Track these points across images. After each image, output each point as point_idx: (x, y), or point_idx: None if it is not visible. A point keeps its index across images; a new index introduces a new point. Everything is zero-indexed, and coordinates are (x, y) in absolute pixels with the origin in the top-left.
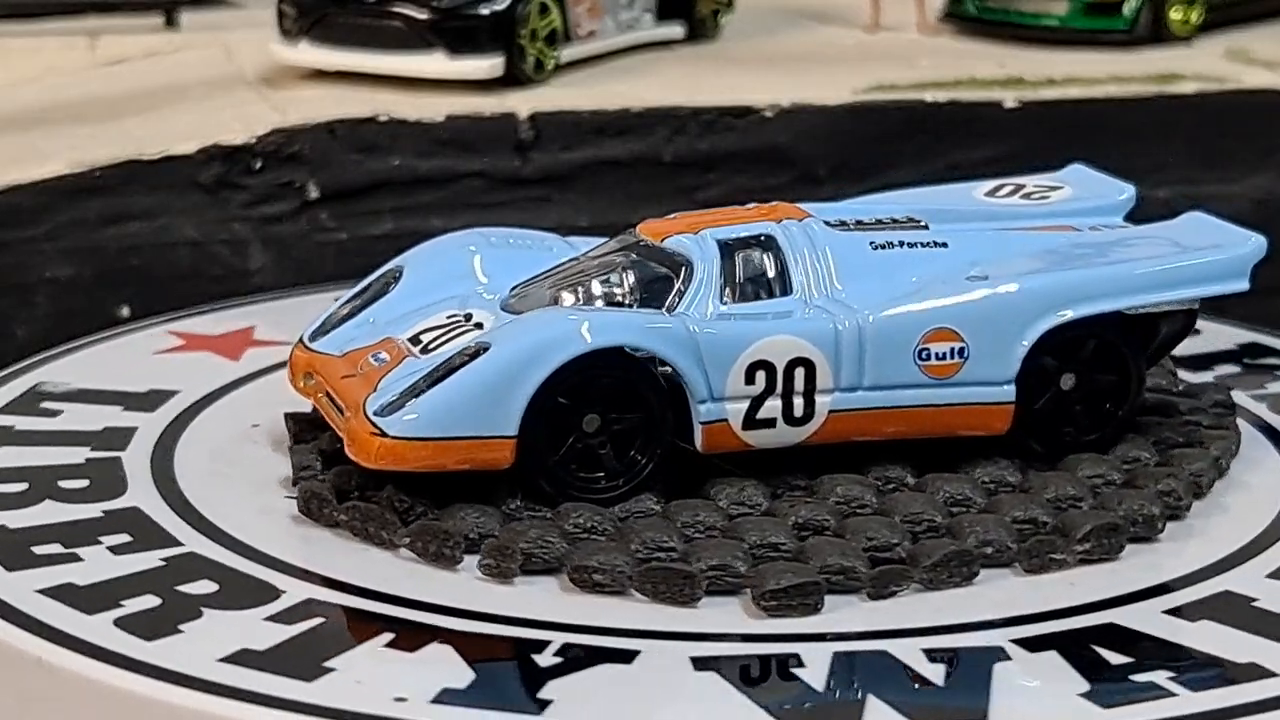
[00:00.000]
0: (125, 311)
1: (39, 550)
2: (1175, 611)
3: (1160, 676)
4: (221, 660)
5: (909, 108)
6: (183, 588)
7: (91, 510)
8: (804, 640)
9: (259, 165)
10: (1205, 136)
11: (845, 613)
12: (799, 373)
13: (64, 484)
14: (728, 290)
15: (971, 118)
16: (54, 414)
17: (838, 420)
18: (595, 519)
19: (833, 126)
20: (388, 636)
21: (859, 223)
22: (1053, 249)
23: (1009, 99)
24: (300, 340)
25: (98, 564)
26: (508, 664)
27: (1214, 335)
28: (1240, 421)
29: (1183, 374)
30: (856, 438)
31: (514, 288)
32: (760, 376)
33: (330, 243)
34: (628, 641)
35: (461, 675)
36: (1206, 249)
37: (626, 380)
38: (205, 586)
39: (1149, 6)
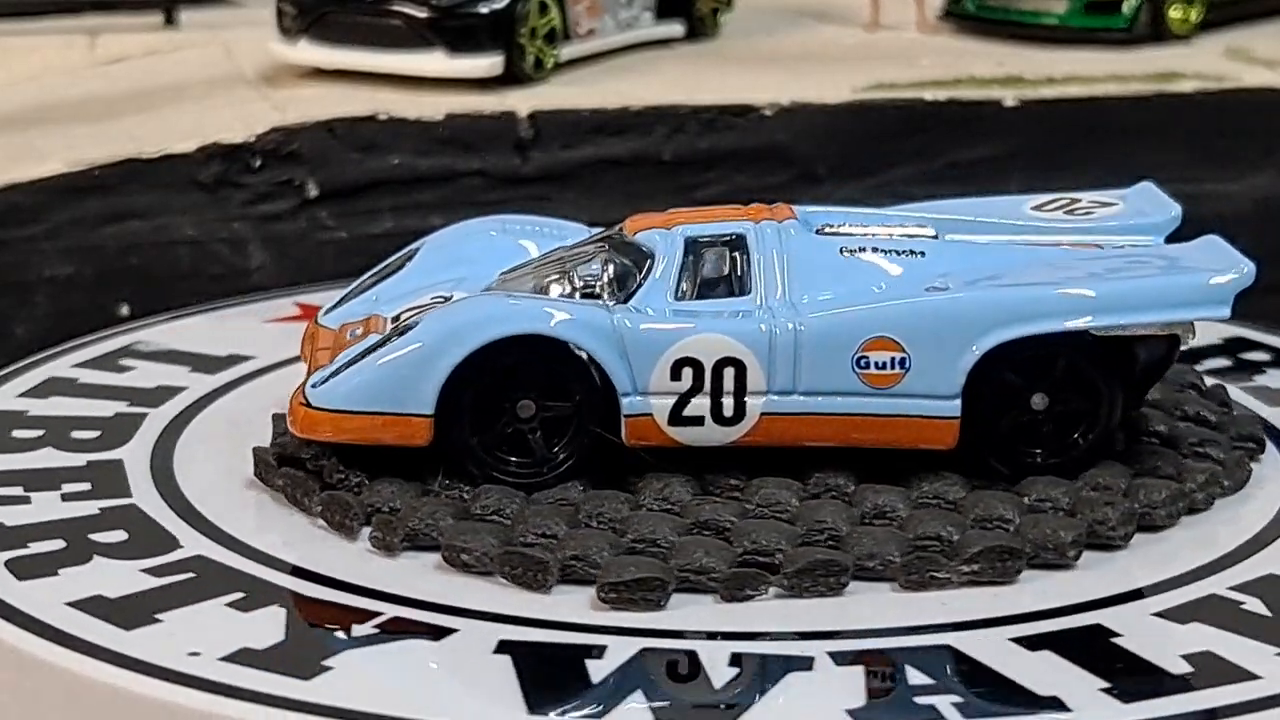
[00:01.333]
0: (124, 310)
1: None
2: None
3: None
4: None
5: (909, 107)
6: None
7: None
8: (619, 634)
9: (258, 164)
10: (1205, 135)
11: (696, 611)
12: (728, 372)
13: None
14: (684, 286)
15: (971, 116)
16: (129, 370)
17: (771, 423)
18: (503, 502)
19: (832, 125)
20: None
21: (851, 228)
22: (1044, 264)
23: (1008, 98)
24: (315, 314)
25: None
26: (322, 630)
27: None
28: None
29: (1237, 394)
30: (793, 443)
31: (503, 273)
32: (687, 373)
33: (330, 241)
34: (450, 619)
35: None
36: (1187, 272)
37: (557, 368)
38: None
39: (1148, 5)
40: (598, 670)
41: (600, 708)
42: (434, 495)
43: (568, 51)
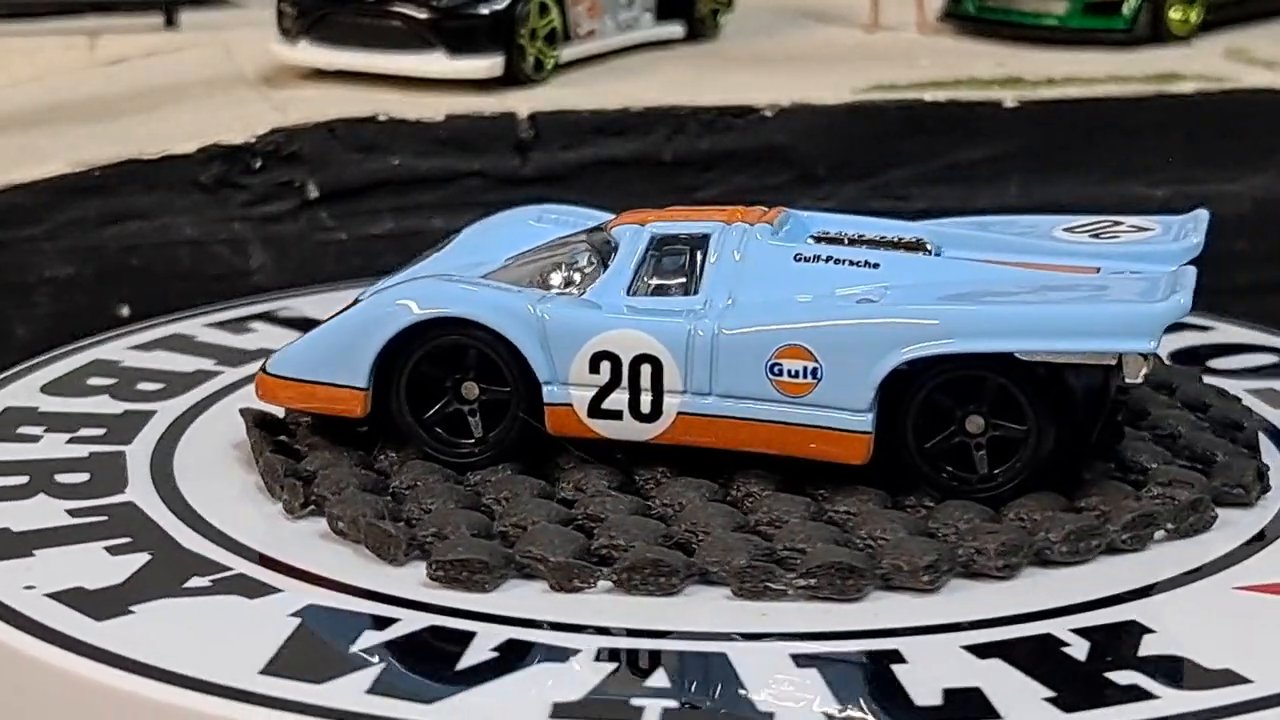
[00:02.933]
0: (125, 311)
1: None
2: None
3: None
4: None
5: (908, 107)
6: None
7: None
8: (417, 609)
9: (259, 165)
10: (1205, 136)
11: (526, 597)
12: (645, 369)
13: None
14: (640, 282)
15: (971, 117)
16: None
17: (688, 423)
18: (423, 479)
19: (832, 126)
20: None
21: (833, 236)
22: (995, 284)
23: (1008, 98)
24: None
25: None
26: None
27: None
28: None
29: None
30: (711, 445)
31: (505, 261)
32: (605, 367)
33: (330, 242)
34: (283, 580)
35: None
36: (1117, 303)
37: (486, 353)
38: None
39: (1148, 6)
40: (368, 639)
41: (331, 674)
42: (369, 468)
43: (568, 52)
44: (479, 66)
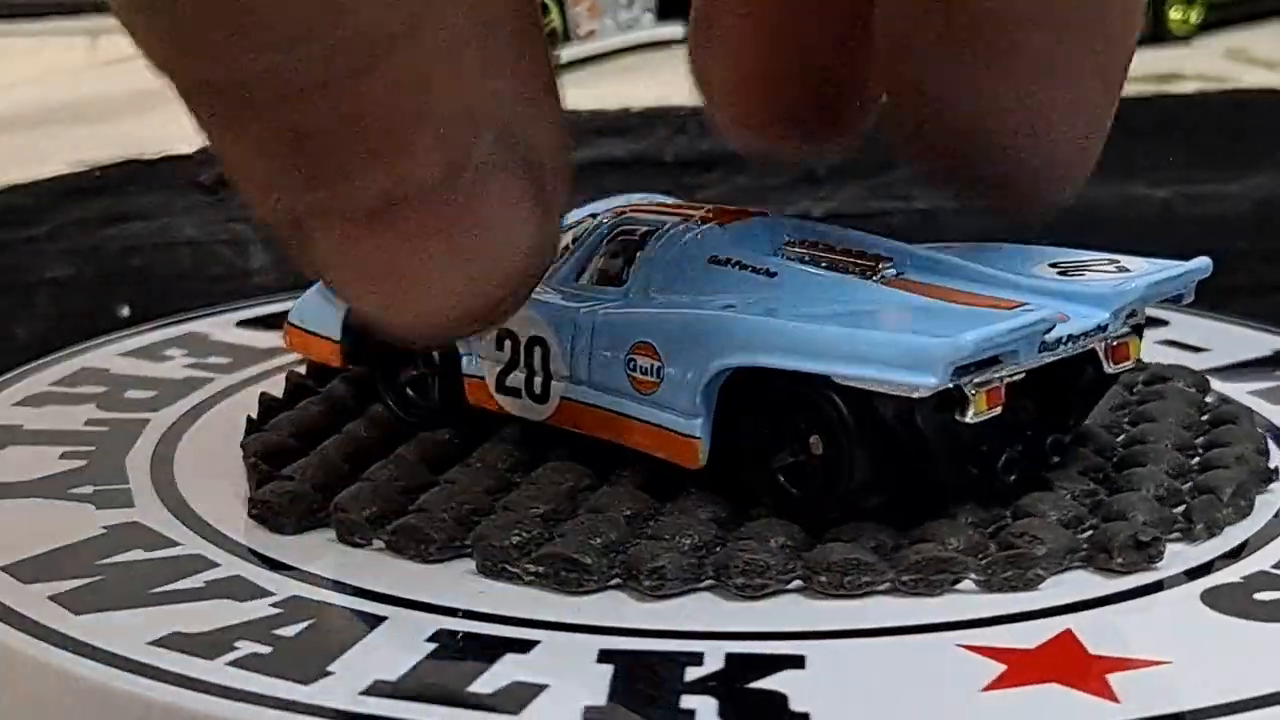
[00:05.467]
0: (126, 312)
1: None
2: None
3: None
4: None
5: None
6: None
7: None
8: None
9: None
10: (1205, 135)
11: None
12: (537, 351)
13: None
14: (591, 268)
15: None
16: None
17: (568, 409)
18: (360, 440)
19: None
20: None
21: (791, 241)
22: (861, 304)
23: None
24: None
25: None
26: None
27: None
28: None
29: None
30: (591, 433)
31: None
32: (507, 345)
33: None
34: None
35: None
36: (915, 334)
37: None
38: None
39: (1148, 6)
40: (243, 611)
41: (212, 647)
42: (340, 435)
43: (568, 53)
44: None
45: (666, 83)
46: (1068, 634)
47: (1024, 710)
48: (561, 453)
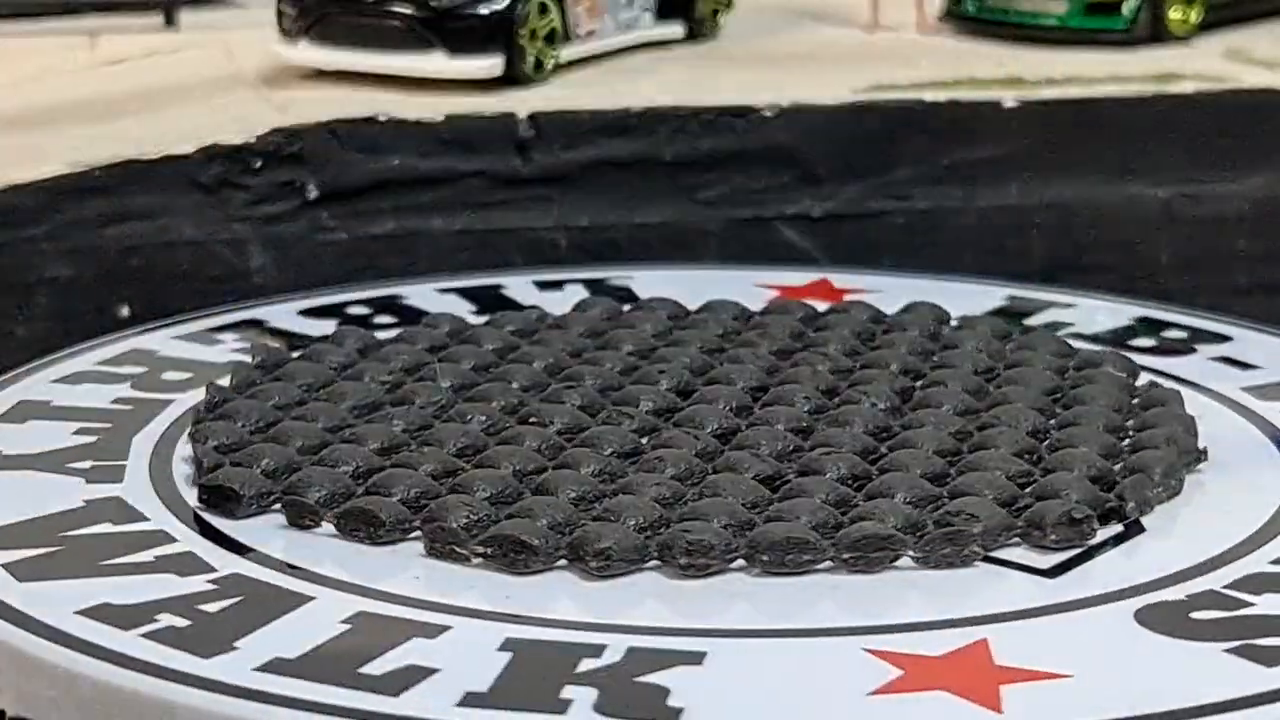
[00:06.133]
0: (125, 312)
1: None
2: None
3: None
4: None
5: (908, 107)
6: None
7: None
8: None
9: (259, 165)
10: (1204, 136)
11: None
12: None
13: None
14: None
15: (971, 117)
16: None
17: None
18: (310, 427)
19: (833, 126)
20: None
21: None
22: None
23: (1008, 98)
24: None
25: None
26: None
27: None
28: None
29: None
30: None
31: None
32: None
33: (331, 242)
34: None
35: None
36: None
37: None
38: None
39: (1148, 6)
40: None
41: (133, 618)
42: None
43: (568, 53)
44: (479, 67)
45: (667, 83)
46: (982, 644)
47: (900, 716)
48: (511, 435)
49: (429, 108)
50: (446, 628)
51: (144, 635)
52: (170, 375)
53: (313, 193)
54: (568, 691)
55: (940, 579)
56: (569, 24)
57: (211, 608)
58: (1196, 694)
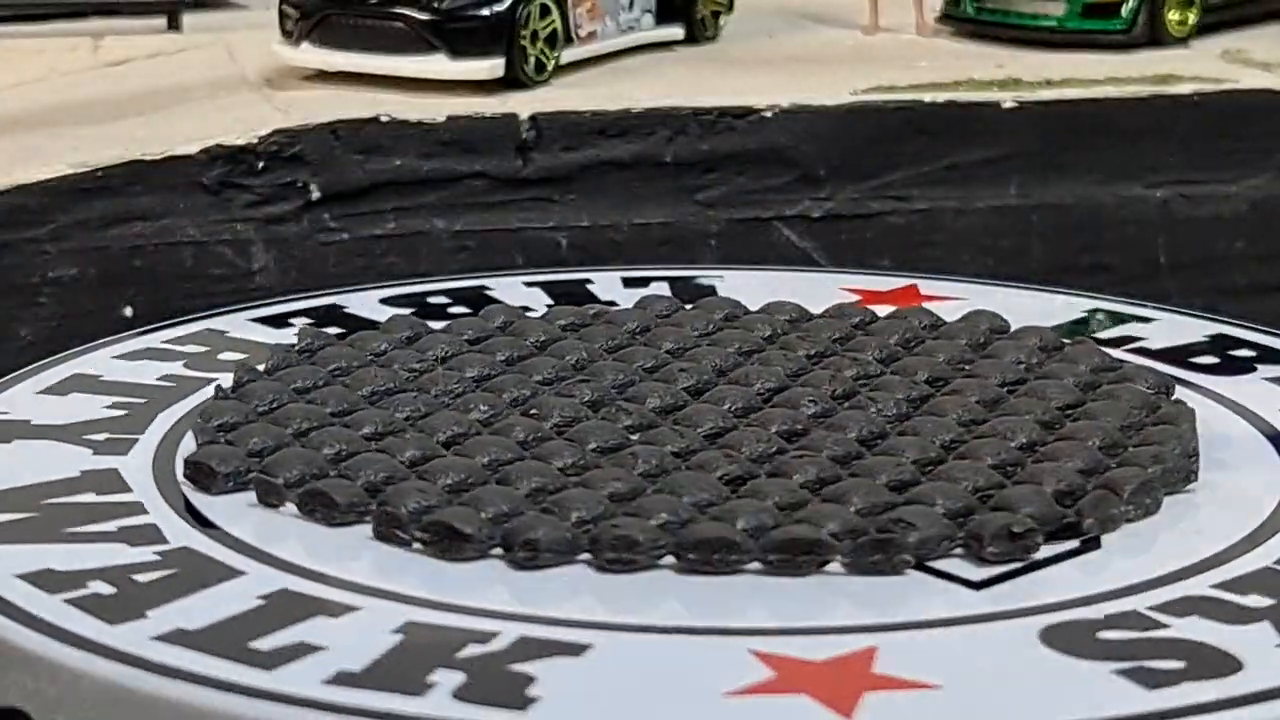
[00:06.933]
0: (129, 312)
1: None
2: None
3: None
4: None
5: (908, 109)
6: None
7: None
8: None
9: (261, 166)
10: (1202, 137)
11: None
12: None
13: None
14: None
15: (970, 119)
16: None
17: None
18: (311, 411)
19: (832, 127)
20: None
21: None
22: None
23: (1007, 100)
24: None
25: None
26: None
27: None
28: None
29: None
30: None
31: None
32: None
33: (332, 243)
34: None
35: None
36: None
37: None
38: None
39: (1146, 8)
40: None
41: (63, 585)
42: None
43: (568, 54)
44: (480, 68)
45: (667, 84)
46: (868, 651)
47: (746, 716)
48: (502, 426)
49: (430, 109)
50: (356, 608)
51: (66, 600)
52: (226, 355)
53: (315, 193)
54: (436, 675)
55: (866, 586)
56: (570, 26)
57: (144, 578)
58: (1052, 713)
